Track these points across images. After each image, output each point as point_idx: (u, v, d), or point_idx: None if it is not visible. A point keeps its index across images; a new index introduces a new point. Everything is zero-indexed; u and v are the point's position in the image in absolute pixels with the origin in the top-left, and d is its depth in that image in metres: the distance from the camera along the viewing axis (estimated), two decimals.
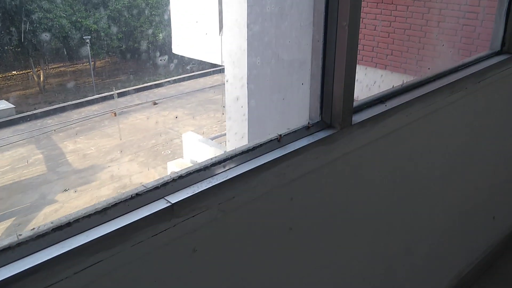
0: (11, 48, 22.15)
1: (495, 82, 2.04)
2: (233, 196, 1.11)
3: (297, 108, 1.54)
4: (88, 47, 23.12)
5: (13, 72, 27.13)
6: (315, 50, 1.35)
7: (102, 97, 17.29)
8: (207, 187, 1.05)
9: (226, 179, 1.08)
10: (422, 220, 2.03)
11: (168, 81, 20.06)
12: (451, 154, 2.01)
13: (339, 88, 1.33)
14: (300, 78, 1.63)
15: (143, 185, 1.01)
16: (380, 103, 1.56)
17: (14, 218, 9.85)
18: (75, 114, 15.24)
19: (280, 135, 1.25)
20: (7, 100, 18.62)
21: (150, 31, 24.31)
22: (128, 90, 17.99)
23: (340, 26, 1.26)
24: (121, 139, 13.72)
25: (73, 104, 16.44)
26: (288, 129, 1.35)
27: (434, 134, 1.82)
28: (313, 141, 1.29)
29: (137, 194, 0.97)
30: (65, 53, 25.29)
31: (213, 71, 18.44)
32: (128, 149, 13.15)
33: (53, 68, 28.08)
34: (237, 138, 2.18)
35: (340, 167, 1.44)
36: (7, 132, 13.71)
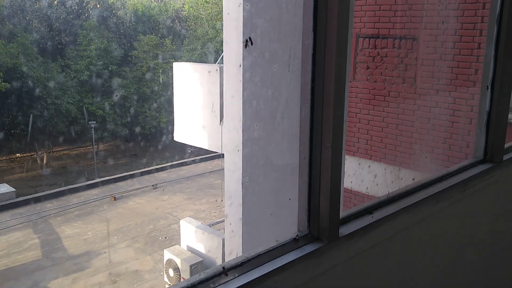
0: (17, 131, 22.72)
1: (480, 190, 2.12)
2: None
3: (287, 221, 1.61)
4: (93, 132, 23.82)
5: (17, 154, 27.56)
6: (301, 167, 1.45)
7: (102, 181, 17.45)
8: None
9: None
10: None
11: (170, 165, 20.38)
12: (438, 264, 2.04)
13: (325, 202, 1.41)
14: (292, 186, 1.71)
15: None
16: (367, 214, 1.64)
17: None
18: (74, 198, 15.25)
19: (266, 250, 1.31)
20: (8, 182, 18.78)
21: (153, 117, 25.08)
22: (129, 174, 18.19)
23: (324, 147, 1.38)
24: (118, 224, 13.62)
25: (73, 188, 16.52)
26: (277, 241, 1.41)
27: (421, 243, 1.87)
28: (301, 255, 1.35)
29: None
30: (70, 136, 25.96)
31: (212, 156, 18.79)
32: (125, 234, 12.99)
33: (57, 151, 28.55)
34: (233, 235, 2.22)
35: (329, 279, 1.48)
36: (6, 215, 13.66)
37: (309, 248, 1.40)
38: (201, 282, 1.18)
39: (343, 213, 1.57)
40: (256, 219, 2.09)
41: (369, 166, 6.79)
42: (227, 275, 1.21)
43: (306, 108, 1.41)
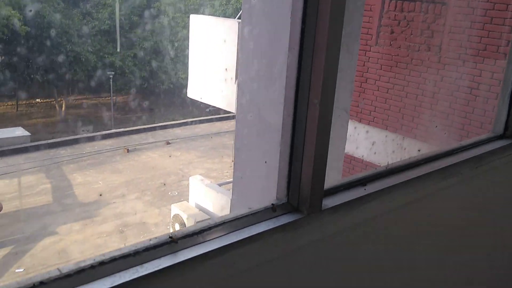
0: (36, 76, 22.80)
1: (495, 169, 1.89)
2: None
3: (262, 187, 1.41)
4: (111, 82, 23.83)
5: (36, 100, 27.86)
6: (284, 126, 1.24)
7: (117, 132, 17.50)
8: (130, 278, 0.92)
9: (156, 269, 0.95)
10: None
11: (185, 122, 20.29)
12: (440, 249, 1.83)
13: (308, 168, 1.21)
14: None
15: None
16: (359, 186, 1.43)
17: (12, 247, 9.74)
18: (88, 147, 15.34)
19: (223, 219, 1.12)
20: (26, 126, 19.02)
21: (172, 73, 24.89)
22: (144, 128, 18.19)
23: (311, 103, 1.16)
24: (130, 176, 13.70)
25: (87, 136, 16.62)
26: (250, 208, 1.22)
27: (420, 224, 1.66)
28: (273, 226, 1.16)
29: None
30: (88, 86, 26.05)
31: (229, 116, 18.59)
32: (135, 186, 13.08)
33: (76, 99, 28.77)
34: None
35: (304, 257, 1.29)
36: (20, 159, 13.83)
37: (284, 219, 1.21)
38: (147, 249, 1.01)
39: (330, 183, 1.37)
40: (246, 182, 1.89)
41: (386, 136, 6.52)
42: (177, 243, 1.03)
43: (293, 55, 1.19)
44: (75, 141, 16.02)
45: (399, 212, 1.58)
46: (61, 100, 26.09)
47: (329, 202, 1.32)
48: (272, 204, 1.22)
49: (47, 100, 27.74)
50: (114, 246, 10.12)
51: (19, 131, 15.55)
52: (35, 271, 8.99)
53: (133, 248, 0.99)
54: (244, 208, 1.36)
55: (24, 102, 27.53)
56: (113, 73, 21.45)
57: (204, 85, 8.53)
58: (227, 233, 1.12)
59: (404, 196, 1.55)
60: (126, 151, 15.53)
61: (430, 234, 1.76)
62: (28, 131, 15.85)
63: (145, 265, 0.96)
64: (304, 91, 1.18)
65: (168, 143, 16.64)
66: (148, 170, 14.18)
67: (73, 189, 12.64)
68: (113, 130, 17.98)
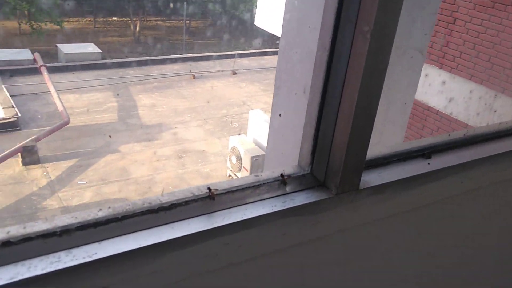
0: None
1: None
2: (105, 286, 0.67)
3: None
4: (185, 6, 23.61)
5: (113, 18, 28.48)
6: (317, 64, 0.84)
7: (185, 57, 17.42)
8: (56, 269, 0.62)
9: (97, 258, 0.64)
10: None
11: (254, 52, 19.77)
12: None
13: (344, 126, 0.82)
14: None
15: None
16: (420, 158, 1.02)
17: (77, 160, 10.19)
18: (156, 70, 15.43)
19: (210, 190, 0.77)
20: (101, 43, 19.46)
21: (247, 0, 24.09)
22: (212, 55, 17.95)
23: (359, 31, 0.75)
24: (194, 103, 13.71)
25: (156, 59, 16.70)
26: (257, 176, 0.87)
27: (502, 211, 1.23)
28: (278, 208, 0.80)
29: None
30: (164, 8, 26.12)
31: None
32: (198, 114, 13.09)
33: (150, 20, 29.09)
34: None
35: (326, 251, 0.93)
36: (90, 75, 14.20)
37: (300, 199, 0.85)
38: (78, 228, 0.70)
39: (377, 151, 0.97)
40: (281, 130, 1.52)
41: (470, 92, 5.75)
42: (130, 223, 0.71)
43: None
44: (144, 63, 16.16)
45: (475, 196, 1.16)
46: (136, 20, 26.35)
47: (371, 178, 0.93)
48: (281, 175, 0.85)
49: (123, 19, 28.21)
50: (171, 170, 10.31)
51: (91, 48, 15.88)
52: (97, 185, 9.40)
53: (168, 200, 0.70)
54: (276, 165, 1.01)
55: (101, 19, 28.20)
56: None
57: (271, 14, 7.99)
58: (207, 213, 0.78)
59: (485, 176, 1.12)
60: (193, 77, 15.47)
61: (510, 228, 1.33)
62: (101, 49, 16.15)
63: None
64: (349, 13, 0.76)
65: (234, 73, 16.37)
66: (212, 99, 14.08)
67: (138, 110, 12.87)
68: (182, 55, 17.95)
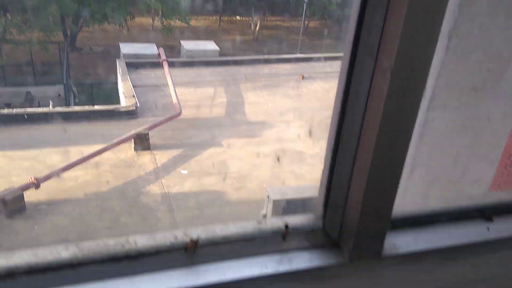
0: None
1: None
2: None
3: None
4: (305, 6, 23.74)
5: (237, 17, 29.73)
6: (336, 105, 0.70)
7: (297, 58, 17.44)
8: None
9: None
10: None
11: None
12: None
13: (359, 178, 0.67)
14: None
15: None
16: (478, 219, 0.81)
17: (182, 150, 10.71)
18: (267, 68, 15.66)
19: (191, 240, 0.67)
20: (223, 41, 20.38)
21: None
22: (325, 56, 17.72)
23: (379, 68, 0.59)
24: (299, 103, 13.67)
25: (270, 58, 16.97)
26: (259, 223, 0.75)
27: None
28: (275, 271, 0.68)
29: None
30: (284, 8, 26.58)
31: None
32: (302, 114, 13.00)
33: (271, 20, 29.76)
34: None
35: None
36: (206, 71, 14.90)
37: (303, 260, 0.72)
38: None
39: (410, 207, 0.80)
40: None
41: None
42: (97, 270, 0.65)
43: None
44: (257, 61, 16.51)
45: None
46: (257, 20, 27.10)
47: (403, 242, 0.76)
48: (286, 225, 0.73)
49: (245, 18, 29.25)
50: (267, 168, 10.38)
51: (210, 45, 16.63)
52: (197, 176, 9.80)
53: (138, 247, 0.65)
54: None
55: (226, 18, 29.54)
56: None
57: None
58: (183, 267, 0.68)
59: None
60: (302, 77, 15.42)
61: None
62: (220, 47, 16.89)
63: None
64: (368, 48, 0.61)
65: None
66: (318, 100, 13.90)
67: (244, 107, 13.16)
68: (294, 55, 18.02)
